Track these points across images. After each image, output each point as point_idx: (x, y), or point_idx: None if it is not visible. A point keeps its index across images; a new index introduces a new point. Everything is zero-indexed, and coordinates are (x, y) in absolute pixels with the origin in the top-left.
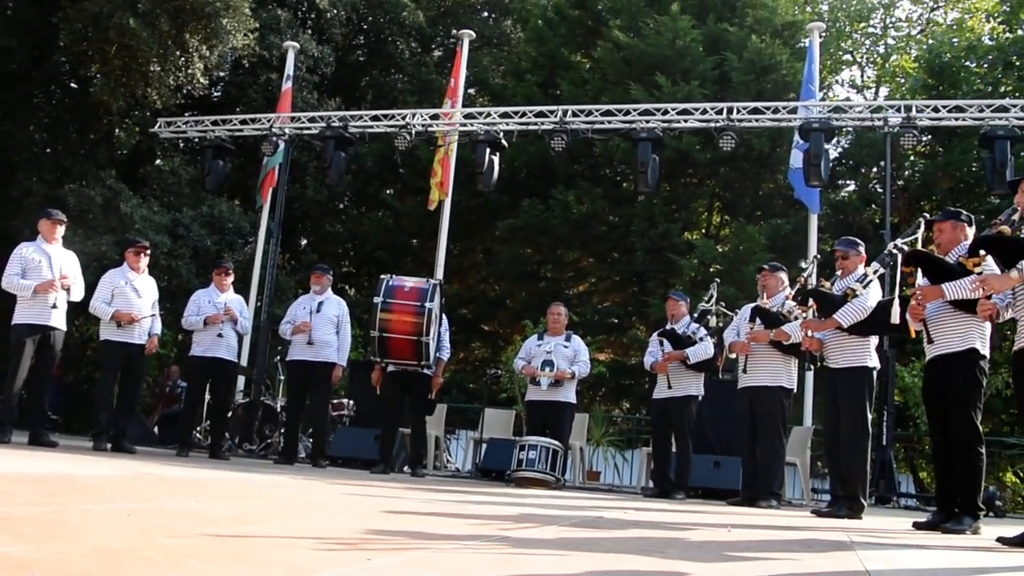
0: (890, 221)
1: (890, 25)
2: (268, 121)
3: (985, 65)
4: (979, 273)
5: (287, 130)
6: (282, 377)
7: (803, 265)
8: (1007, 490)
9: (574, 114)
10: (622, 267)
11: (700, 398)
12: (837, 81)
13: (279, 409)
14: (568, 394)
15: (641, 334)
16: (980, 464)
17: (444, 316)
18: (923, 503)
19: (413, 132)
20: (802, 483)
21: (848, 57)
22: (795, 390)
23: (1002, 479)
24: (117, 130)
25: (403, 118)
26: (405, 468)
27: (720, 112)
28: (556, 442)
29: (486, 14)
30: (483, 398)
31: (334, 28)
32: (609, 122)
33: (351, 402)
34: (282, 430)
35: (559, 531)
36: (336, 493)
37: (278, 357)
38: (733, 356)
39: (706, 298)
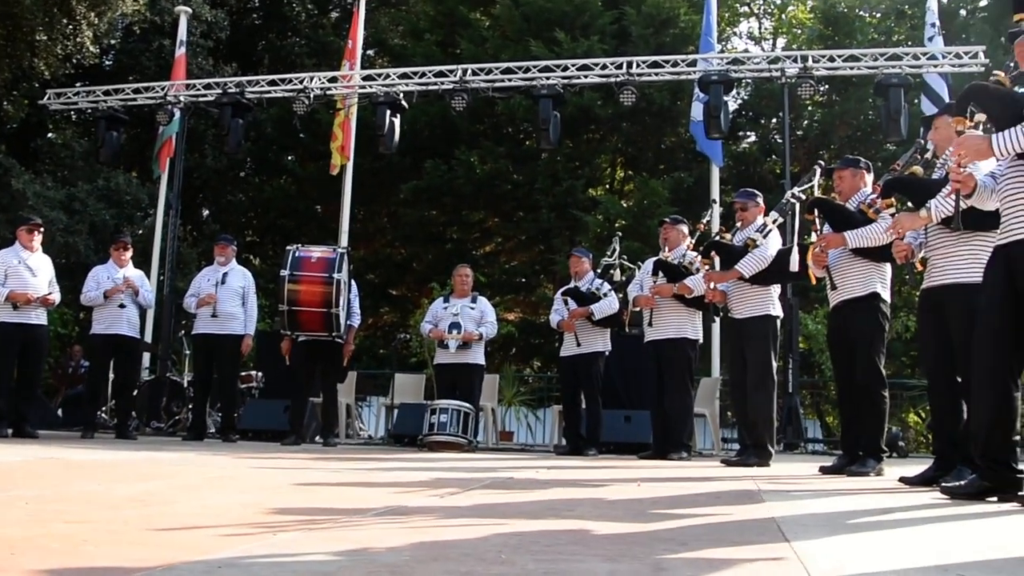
0: (790, 171)
1: None
2: (162, 89)
3: (878, 15)
4: (891, 216)
5: (182, 98)
6: (188, 352)
7: (704, 213)
8: (910, 431)
9: (474, 73)
10: (527, 226)
11: (607, 353)
12: (735, 33)
13: (186, 384)
14: (476, 356)
15: (549, 292)
16: (884, 407)
17: (353, 283)
18: (830, 447)
19: (312, 96)
20: (712, 433)
21: (745, 9)
22: (701, 341)
23: (905, 420)
24: (4, 103)
25: (301, 82)
26: (317, 438)
27: (620, 67)
28: (467, 404)
29: None
30: (393, 363)
31: None
32: (509, 80)
33: (260, 374)
34: (190, 406)
35: (471, 496)
36: (245, 468)
37: (183, 331)
38: (638, 310)
39: (608, 252)
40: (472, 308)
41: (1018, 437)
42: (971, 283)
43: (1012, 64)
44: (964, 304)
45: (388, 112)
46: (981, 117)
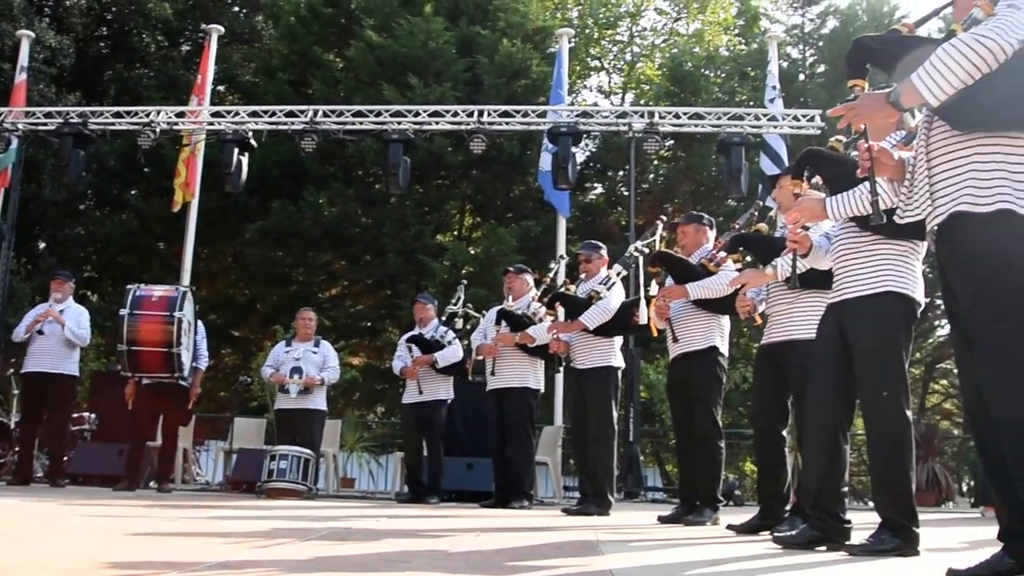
0: (634, 223)
1: (636, 34)
2: (0, 115)
3: (723, 75)
4: (738, 271)
5: (20, 125)
6: (16, 391)
7: (551, 266)
8: (746, 479)
9: (325, 114)
10: (374, 270)
11: (450, 401)
12: (585, 86)
13: (12, 426)
14: (318, 401)
15: (394, 337)
16: (720, 458)
17: (200, 324)
18: (669, 496)
19: (158, 130)
20: (553, 482)
21: (596, 63)
22: (542, 390)
23: (742, 469)
24: None
25: (147, 115)
26: (151, 484)
27: (471, 115)
28: (307, 450)
29: (237, 9)
30: (233, 407)
31: (73, 17)
32: (361, 123)
33: (93, 415)
34: (16, 448)
35: (307, 547)
36: (74, 516)
37: (11, 370)
38: (481, 358)
39: (453, 300)
40: (315, 352)
41: (846, 489)
42: (809, 340)
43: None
44: (802, 360)
45: (236, 150)
46: (816, 180)
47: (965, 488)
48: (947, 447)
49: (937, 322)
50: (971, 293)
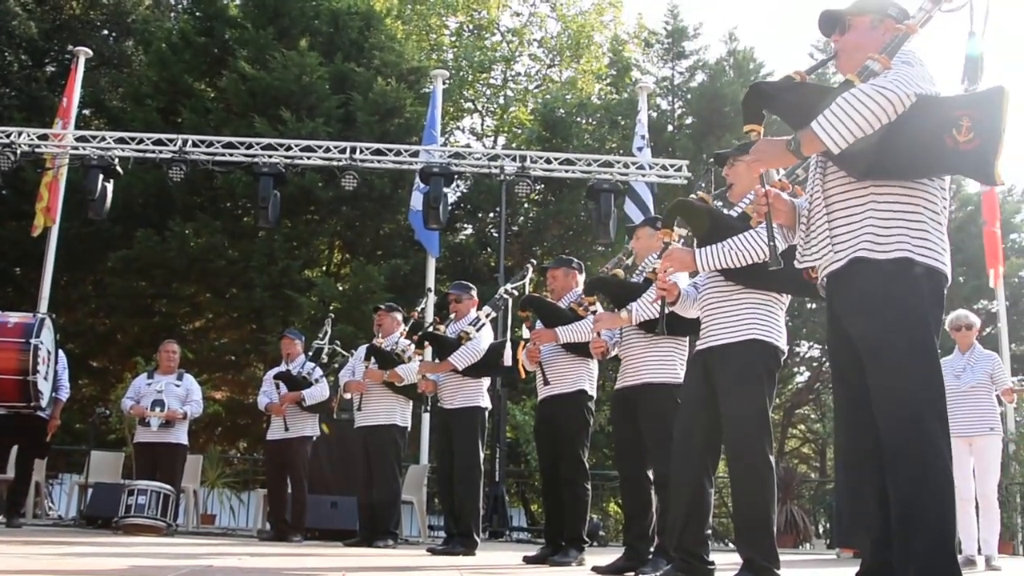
0: (504, 265)
1: (510, 78)
2: None
3: (594, 122)
4: (592, 313)
5: None
6: None
7: (420, 300)
8: (610, 519)
9: (195, 144)
10: (240, 303)
11: (315, 438)
12: (459, 127)
13: None
14: (180, 435)
15: (259, 372)
16: (585, 499)
17: (62, 354)
18: (534, 536)
19: (18, 152)
20: (419, 521)
21: (470, 105)
22: (409, 428)
23: (606, 510)
24: None
25: (8, 136)
26: (0, 518)
27: (343, 151)
28: (167, 486)
29: (106, 32)
30: (90, 439)
31: None
32: (231, 155)
33: None
34: None
35: None
36: None
37: None
38: (348, 396)
39: (320, 335)
40: (177, 385)
41: (710, 531)
42: (661, 383)
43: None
44: (655, 403)
45: (101, 176)
46: (683, 231)
47: (821, 530)
48: (805, 490)
49: (796, 369)
50: (869, 337)
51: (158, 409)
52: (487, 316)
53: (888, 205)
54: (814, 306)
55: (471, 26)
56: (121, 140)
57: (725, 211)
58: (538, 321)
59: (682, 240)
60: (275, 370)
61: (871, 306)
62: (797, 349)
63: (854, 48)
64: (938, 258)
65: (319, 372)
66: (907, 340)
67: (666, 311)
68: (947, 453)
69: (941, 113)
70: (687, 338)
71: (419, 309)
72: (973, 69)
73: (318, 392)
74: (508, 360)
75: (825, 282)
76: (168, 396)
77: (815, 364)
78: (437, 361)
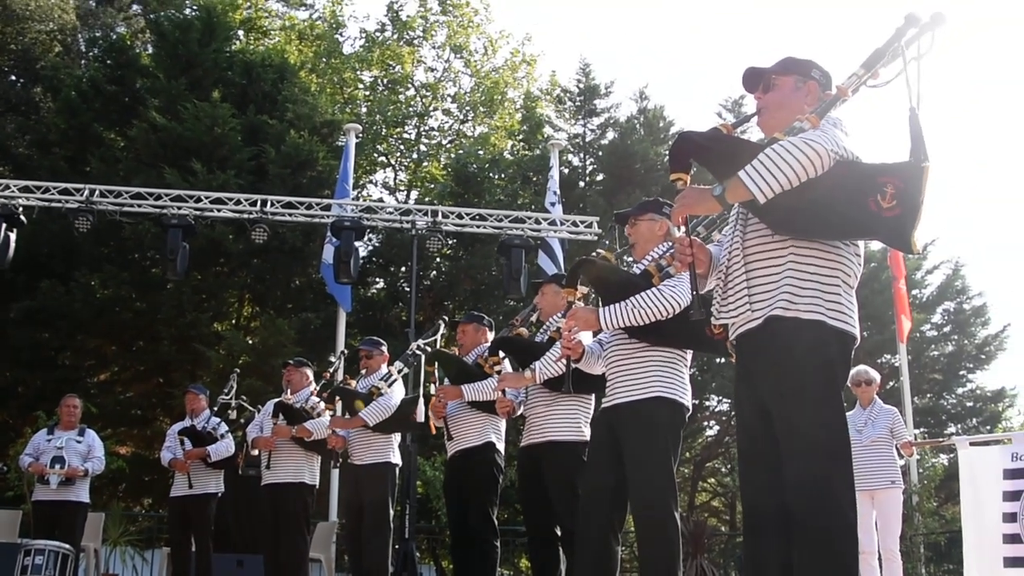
0: (415, 319)
1: (423, 133)
2: None
3: (506, 178)
4: (498, 373)
5: None
6: None
7: (331, 360)
8: (522, 575)
9: (103, 194)
10: (147, 356)
11: (220, 495)
12: (372, 181)
13: None
14: (81, 493)
15: (165, 426)
16: (494, 556)
17: None
18: None
19: None
20: None
21: (383, 159)
22: (318, 485)
23: (517, 565)
24: None
25: None
26: None
27: (254, 203)
28: (66, 545)
29: (14, 78)
30: None
31: None
32: (140, 206)
33: None
34: None
35: None
36: None
37: None
38: (256, 452)
39: (226, 391)
40: (79, 441)
41: None
42: (565, 441)
43: (608, 241)
44: (559, 461)
45: (4, 225)
46: (587, 289)
47: None
48: (715, 544)
49: (706, 423)
50: (779, 396)
51: (58, 466)
52: (399, 371)
53: (806, 266)
54: (722, 360)
55: (385, 80)
56: (26, 188)
57: (628, 269)
58: (445, 377)
59: (586, 298)
60: (179, 425)
61: (783, 365)
62: (706, 403)
63: (776, 107)
64: (849, 321)
65: (224, 427)
66: (816, 400)
67: (571, 369)
68: (853, 516)
69: (865, 178)
70: (592, 396)
71: (331, 370)
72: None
73: (223, 448)
74: (420, 416)
75: (736, 342)
76: (69, 452)
77: (724, 418)
78: (348, 416)
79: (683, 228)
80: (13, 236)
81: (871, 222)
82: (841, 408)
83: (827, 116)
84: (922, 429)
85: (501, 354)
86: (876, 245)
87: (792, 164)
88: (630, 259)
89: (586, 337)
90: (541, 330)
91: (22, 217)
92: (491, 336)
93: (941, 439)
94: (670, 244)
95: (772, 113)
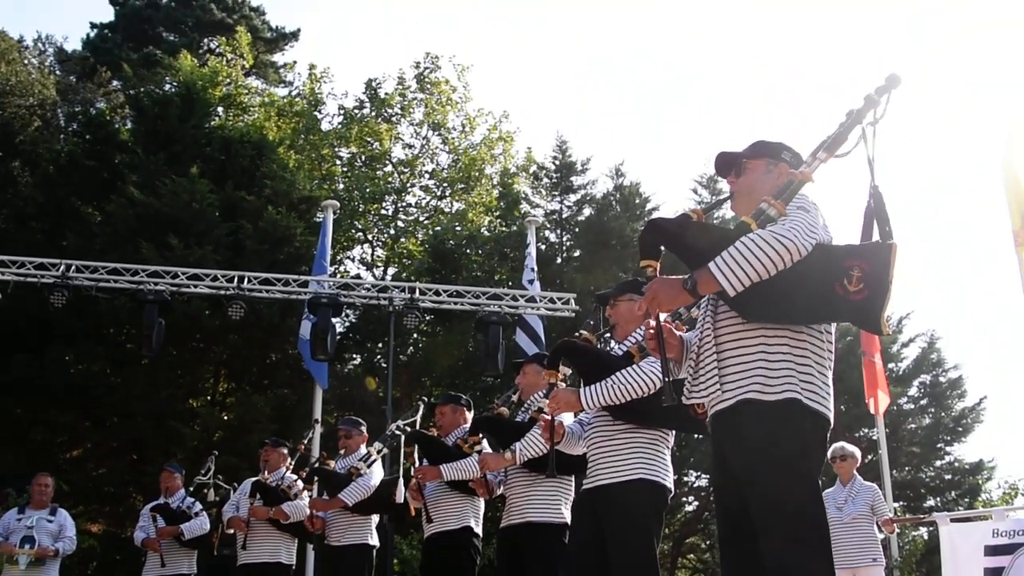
0: (392, 395)
1: (401, 209)
2: None
3: (483, 254)
4: (478, 452)
5: None
6: None
7: (306, 433)
8: None
9: (79, 269)
10: (121, 432)
11: (193, 575)
12: (349, 257)
13: None
14: (51, 573)
15: (139, 504)
16: None
17: None
18: None
19: None
20: None
21: (360, 235)
22: (294, 566)
23: None
24: None
25: None
26: None
27: (231, 280)
28: None
29: None
30: None
31: None
32: (116, 281)
33: None
34: None
35: None
36: None
37: None
38: (231, 531)
39: (203, 471)
40: (50, 521)
41: None
42: (545, 522)
43: (592, 322)
44: (538, 543)
45: None
46: (568, 371)
47: None
48: None
49: (684, 499)
50: (753, 476)
51: (27, 546)
52: (378, 452)
53: (778, 348)
54: (701, 436)
55: (363, 157)
56: (2, 263)
57: (611, 351)
58: (423, 459)
59: (567, 380)
60: (152, 504)
61: (757, 446)
62: (685, 479)
63: (748, 190)
64: (823, 403)
65: (199, 506)
66: (791, 480)
67: (554, 451)
68: None
69: (832, 262)
70: (572, 477)
71: (305, 441)
72: (869, 222)
73: (197, 526)
74: (400, 497)
75: (710, 421)
76: (39, 532)
77: (703, 493)
78: (326, 497)
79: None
80: None
81: (838, 305)
82: (816, 489)
83: (804, 200)
84: (901, 503)
85: (480, 435)
86: None
87: (762, 259)
88: (612, 341)
89: (567, 417)
90: (521, 409)
91: None
92: (470, 416)
93: (922, 516)
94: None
95: (744, 197)
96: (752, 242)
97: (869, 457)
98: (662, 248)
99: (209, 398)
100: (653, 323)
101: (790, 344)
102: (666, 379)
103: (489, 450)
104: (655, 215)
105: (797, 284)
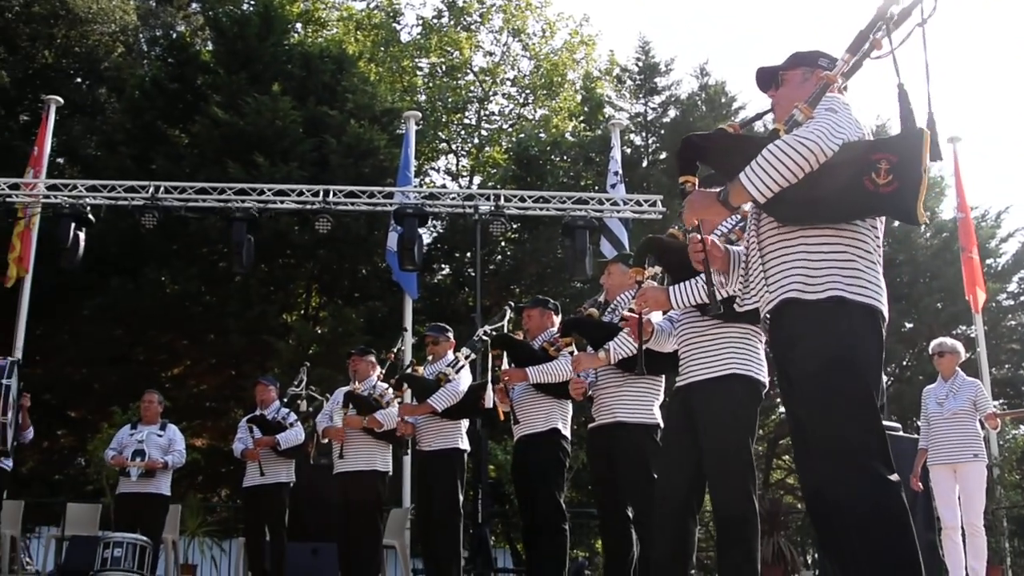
0: (481, 304)
1: (484, 118)
2: None
3: (568, 159)
4: (569, 354)
5: None
6: None
7: (398, 346)
8: (597, 557)
9: (167, 190)
10: (218, 349)
11: (292, 484)
12: (433, 168)
13: None
14: (161, 486)
15: (239, 417)
16: (563, 542)
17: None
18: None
19: None
20: (402, 565)
21: (444, 145)
22: (391, 473)
23: (594, 546)
24: None
25: None
26: None
27: (316, 194)
28: (143, 537)
29: (79, 80)
30: (67, 491)
31: None
32: (204, 200)
33: None
34: None
35: None
36: None
37: None
38: (326, 441)
39: (296, 382)
40: (160, 435)
41: (693, 571)
42: (636, 423)
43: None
44: (628, 443)
45: (73, 225)
46: (656, 269)
47: (810, 560)
48: (791, 521)
49: (778, 400)
50: (803, 374)
51: (139, 459)
52: (466, 357)
53: (818, 248)
54: None
55: (444, 67)
56: (93, 188)
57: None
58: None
59: (656, 277)
60: (249, 416)
61: (802, 346)
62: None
63: (787, 102)
64: (873, 295)
65: (293, 417)
66: (840, 381)
67: (643, 349)
68: (894, 493)
69: (859, 157)
70: (663, 376)
71: (396, 350)
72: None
73: (293, 436)
74: (488, 402)
75: (763, 324)
76: (149, 446)
77: None
78: (416, 403)
79: (695, 230)
80: (83, 236)
81: (871, 201)
82: (866, 387)
83: (833, 100)
84: (1001, 400)
85: (570, 337)
86: (947, 215)
87: (787, 163)
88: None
89: (656, 315)
90: (608, 310)
91: (90, 216)
92: (557, 320)
93: None
94: (739, 217)
95: (784, 108)
96: (777, 147)
97: (967, 355)
98: (698, 164)
99: (302, 312)
100: (698, 237)
101: (831, 243)
102: (711, 290)
103: (566, 354)
104: (741, 115)
105: (826, 183)
